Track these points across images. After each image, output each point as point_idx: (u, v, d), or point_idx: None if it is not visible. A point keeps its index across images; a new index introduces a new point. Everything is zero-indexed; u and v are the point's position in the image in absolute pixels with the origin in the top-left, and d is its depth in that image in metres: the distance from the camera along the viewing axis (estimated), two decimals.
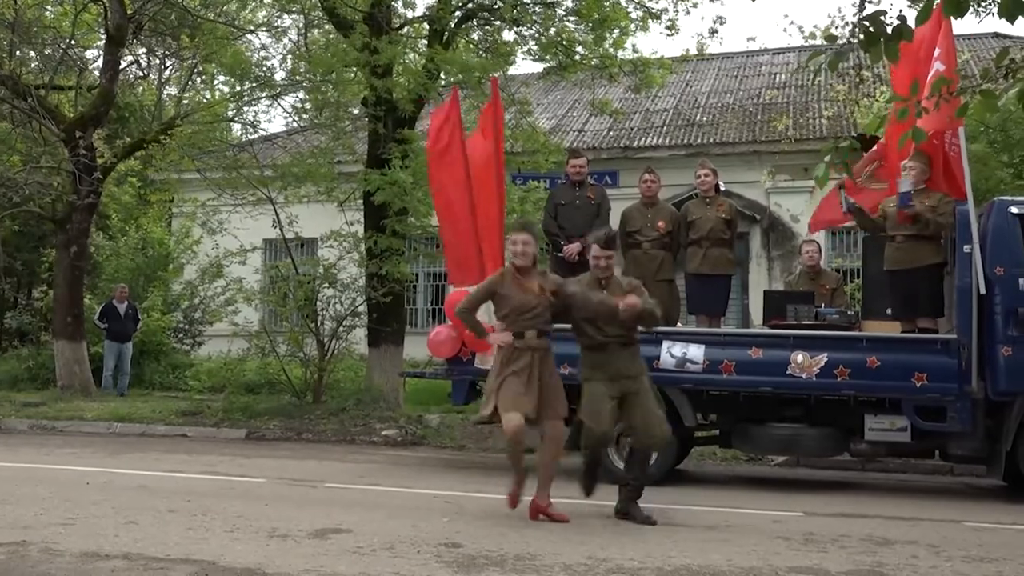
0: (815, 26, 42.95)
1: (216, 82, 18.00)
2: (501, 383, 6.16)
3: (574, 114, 20.91)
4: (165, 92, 19.01)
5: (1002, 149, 11.03)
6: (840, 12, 47.46)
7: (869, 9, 3.90)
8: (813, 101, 19.34)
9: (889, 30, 3.73)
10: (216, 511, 6.21)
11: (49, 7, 16.75)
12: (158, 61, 18.68)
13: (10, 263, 21.50)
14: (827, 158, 4.20)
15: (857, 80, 12.22)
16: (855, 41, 3.87)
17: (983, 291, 7.62)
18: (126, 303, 16.12)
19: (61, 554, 4.85)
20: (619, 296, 6.17)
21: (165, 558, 4.80)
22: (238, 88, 14.75)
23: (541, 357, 6.22)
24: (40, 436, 11.60)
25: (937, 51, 7.66)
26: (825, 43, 17.47)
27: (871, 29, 3.75)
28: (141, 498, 6.75)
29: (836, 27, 13.05)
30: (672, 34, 14.23)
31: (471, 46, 14.61)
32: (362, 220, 13.54)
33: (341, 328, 13.21)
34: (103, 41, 15.90)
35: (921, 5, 3.76)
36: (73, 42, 16.40)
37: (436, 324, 12.45)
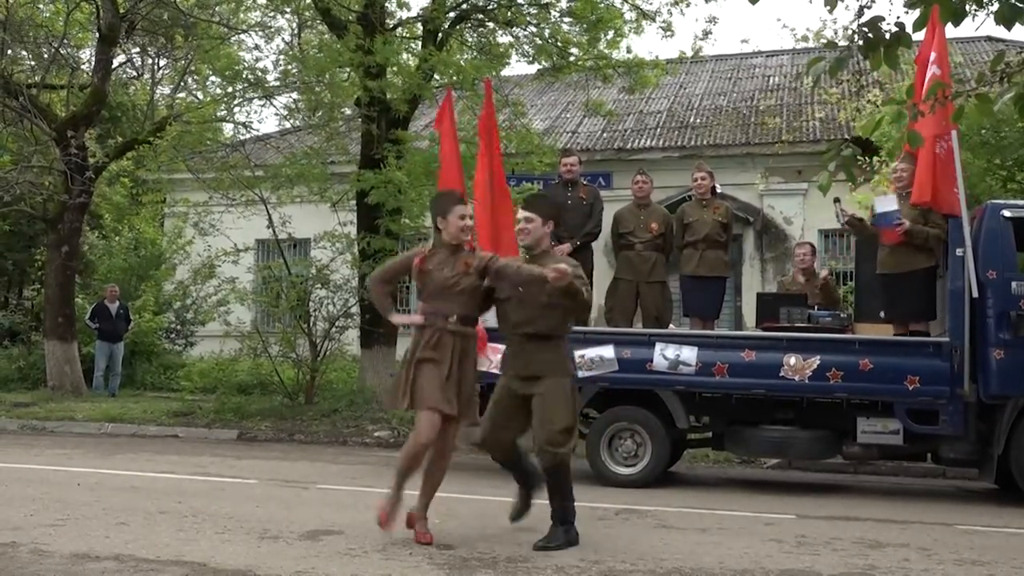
0: (808, 29, 43.13)
1: (208, 82, 17.96)
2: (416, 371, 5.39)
3: (568, 115, 20.91)
4: (158, 92, 18.95)
5: (994, 152, 11.04)
6: (832, 15, 47.49)
7: (867, 15, 3.89)
8: (806, 103, 19.37)
9: (887, 36, 3.73)
10: (207, 512, 6.19)
11: (42, 5, 16.69)
12: (151, 60, 18.60)
13: (1, 263, 21.45)
14: (830, 166, 4.18)
15: (857, 87, 12.23)
16: (854, 46, 3.86)
17: (975, 294, 7.62)
18: (117, 303, 16.07)
19: (51, 555, 4.83)
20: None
21: (155, 559, 4.78)
22: (230, 89, 14.71)
23: (463, 346, 5.47)
24: (30, 436, 11.55)
25: (933, 55, 7.67)
26: (820, 46, 17.44)
27: (870, 35, 3.75)
28: (132, 499, 6.73)
29: (828, 29, 13.09)
30: (668, 35, 14.26)
31: (465, 47, 14.59)
32: (355, 221, 13.52)
33: (334, 329, 13.19)
34: (96, 40, 15.86)
35: (919, 12, 3.75)
36: (66, 41, 16.34)
37: None
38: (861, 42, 3.75)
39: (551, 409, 5.35)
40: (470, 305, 5.54)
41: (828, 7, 3.81)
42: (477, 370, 5.68)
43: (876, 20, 3.80)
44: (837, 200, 8.50)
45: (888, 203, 8.14)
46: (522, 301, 5.49)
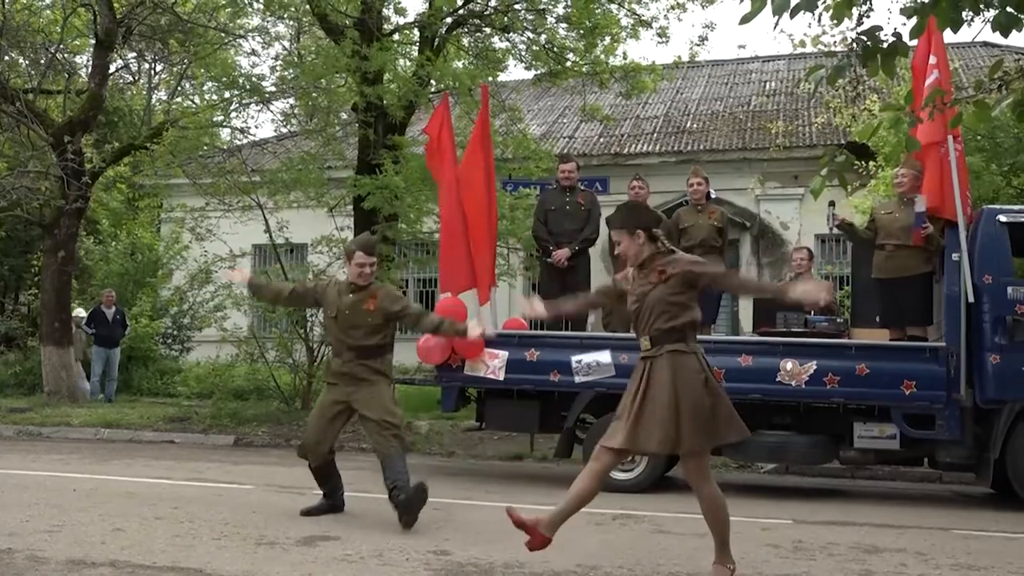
0: (805, 35, 43.18)
1: (205, 88, 17.99)
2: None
3: (564, 120, 20.94)
4: (154, 97, 18.98)
5: (992, 157, 11.08)
6: (832, 21, 47.49)
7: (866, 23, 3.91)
8: (803, 108, 19.40)
9: (885, 45, 3.75)
10: (203, 518, 6.18)
11: (39, 10, 16.69)
12: (148, 66, 18.63)
13: None
14: (823, 171, 4.20)
15: (854, 94, 12.26)
16: (852, 55, 3.87)
17: (972, 299, 7.64)
18: (114, 308, 16.06)
19: (47, 561, 4.82)
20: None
21: (152, 566, 4.77)
22: (227, 94, 14.71)
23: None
24: (26, 442, 11.52)
25: (933, 59, 7.68)
26: (818, 51, 17.52)
27: (868, 44, 3.76)
28: (128, 505, 6.71)
29: (826, 35, 13.09)
30: (663, 41, 14.29)
31: (462, 52, 14.61)
32: (352, 226, 13.51)
33: None
34: (93, 45, 15.86)
35: (916, 20, 3.77)
36: (63, 46, 16.35)
37: None
38: (860, 51, 3.76)
39: (384, 403, 6.36)
40: (662, 318, 4.71)
41: (834, 21, 3.84)
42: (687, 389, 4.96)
43: (874, 29, 3.81)
44: (832, 204, 8.54)
45: (921, 204, 8.11)
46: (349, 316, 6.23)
